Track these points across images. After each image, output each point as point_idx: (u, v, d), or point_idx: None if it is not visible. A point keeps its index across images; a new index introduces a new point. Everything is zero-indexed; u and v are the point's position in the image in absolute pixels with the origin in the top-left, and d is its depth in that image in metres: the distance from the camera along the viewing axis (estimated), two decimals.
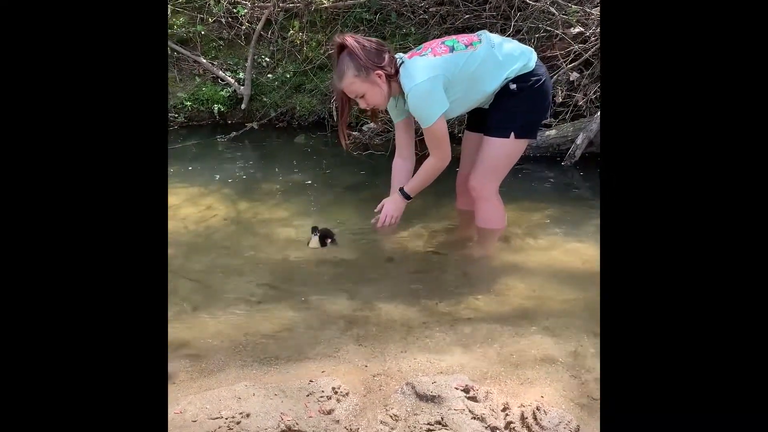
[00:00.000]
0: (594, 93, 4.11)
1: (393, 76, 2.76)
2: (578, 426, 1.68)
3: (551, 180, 4.05)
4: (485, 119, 2.92)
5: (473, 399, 1.79)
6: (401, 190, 3.02)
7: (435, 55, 2.76)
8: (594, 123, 3.98)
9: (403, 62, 2.77)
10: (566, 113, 4.20)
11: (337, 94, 2.82)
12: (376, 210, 3.13)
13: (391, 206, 3.06)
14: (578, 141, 3.98)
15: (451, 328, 2.33)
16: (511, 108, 2.87)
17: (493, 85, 2.83)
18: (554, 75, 4.26)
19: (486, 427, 1.67)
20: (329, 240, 3.00)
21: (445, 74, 2.72)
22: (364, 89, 2.74)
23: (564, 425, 1.67)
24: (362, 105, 2.80)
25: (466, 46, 2.80)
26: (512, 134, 2.88)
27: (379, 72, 2.72)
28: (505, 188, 3.32)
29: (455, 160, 3.09)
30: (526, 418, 1.71)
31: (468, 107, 2.94)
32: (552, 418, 1.69)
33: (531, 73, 2.85)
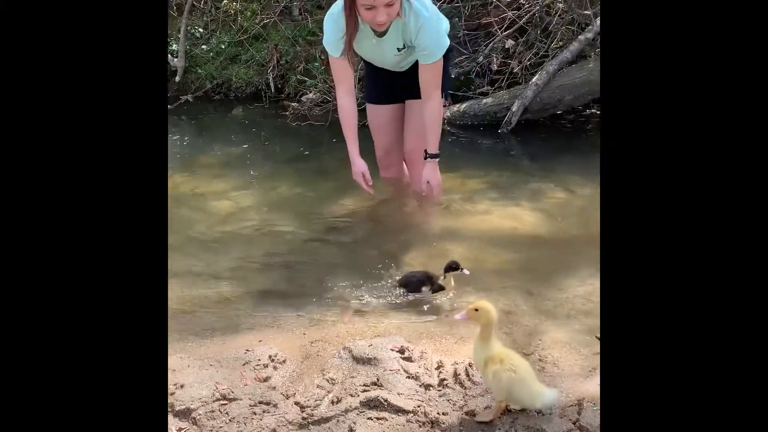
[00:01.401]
0: (528, 60, 4.17)
1: None
2: None
3: (489, 147, 4.11)
4: (407, 86, 2.85)
5: (408, 359, 1.82)
6: (430, 155, 2.86)
7: None
8: (529, 90, 4.04)
9: None
10: (502, 81, 4.25)
11: (348, 3, 2.53)
12: (422, 190, 2.94)
13: (433, 176, 2.89)
14: (514, 108, 4.04)
15: (390, 292, 2.35)
16: (444, 69, 2.88)
17: None
18: (489, 42, 4.30)
19: (420, 385, 1.71)
20: (459, 269, 2.28)
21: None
22: None
23: None
24: (381, 16, 2.46)
25: None
26: (444, 94, 2.90)
27: None
28: (445, 156, 3.36)
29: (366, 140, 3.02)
30: (459, 374, 1.75)
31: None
32: None
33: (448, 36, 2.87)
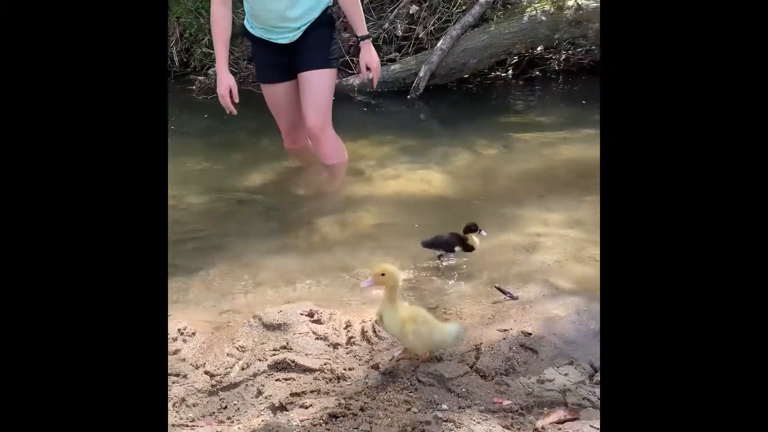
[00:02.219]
0: (433, 25, 4.23)
1: None
2: None
3: (399, 113, 4.17)
4: (297, 59, 2.88)
5: (317, 322, 1.87)
6: (363, 38, 2.88)
7: None
8: (434, 55, 4.11)
9: None
10: (408, 47, 4.30)
11: None
12: (363, 76, 2.98)
13: (371, 58, 2.89)
14: (421, 73, 4.11)
15: (302, 259, 2.39)
16: (330, 39, 2.92)
17: (324, 3, 2.84)
18: (394, 8, 4.32)
19: (328, 345, 1.76)
20: (478, 231, 2.31)
21: None
22: None
23: None
24: None
25: None
26: (335, 63, 2.94)
27: None
28: (356, 123, 3.40)
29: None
30: (366, 331, 1.82)
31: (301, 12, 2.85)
32: None
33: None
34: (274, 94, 3.03)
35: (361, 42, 2.88)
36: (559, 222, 2.57)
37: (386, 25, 4.30)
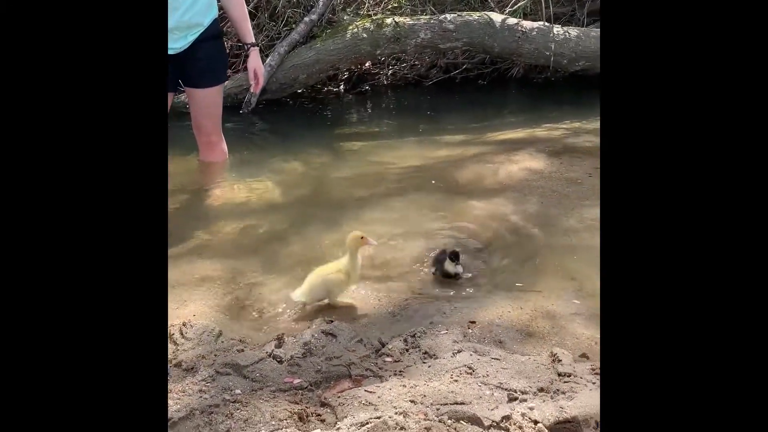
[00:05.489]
0: (261, 42, 4.34)
1: None
2: (220, 331, 1.89)
3: (233, 128, 4.21)
4: (192, 73, 2.95)
5: None
6: (253, 44, 3.07)
7: None
8: (264, 70, 4.23)
9: None
10: (240, 63, 4.38)
11: None
12: (251, 80, 3.12)
13: (260, 65, 3.09)
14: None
15: None
16: (222, 52, 3.08)
17: (212, 13, 2.93)
18: (224, 26, 4.39)
19: None
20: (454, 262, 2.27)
21: None
22: None
23: (207, 333, 1.87)
24: None
25: None
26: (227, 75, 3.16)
27: None
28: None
29: None
30: (173, 335, 1.87)
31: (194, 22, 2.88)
32: (197, 329, 1.88)
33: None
34: None
35: (251, 48, 3.07)
36: (374, 219, 2.76)
37: None
